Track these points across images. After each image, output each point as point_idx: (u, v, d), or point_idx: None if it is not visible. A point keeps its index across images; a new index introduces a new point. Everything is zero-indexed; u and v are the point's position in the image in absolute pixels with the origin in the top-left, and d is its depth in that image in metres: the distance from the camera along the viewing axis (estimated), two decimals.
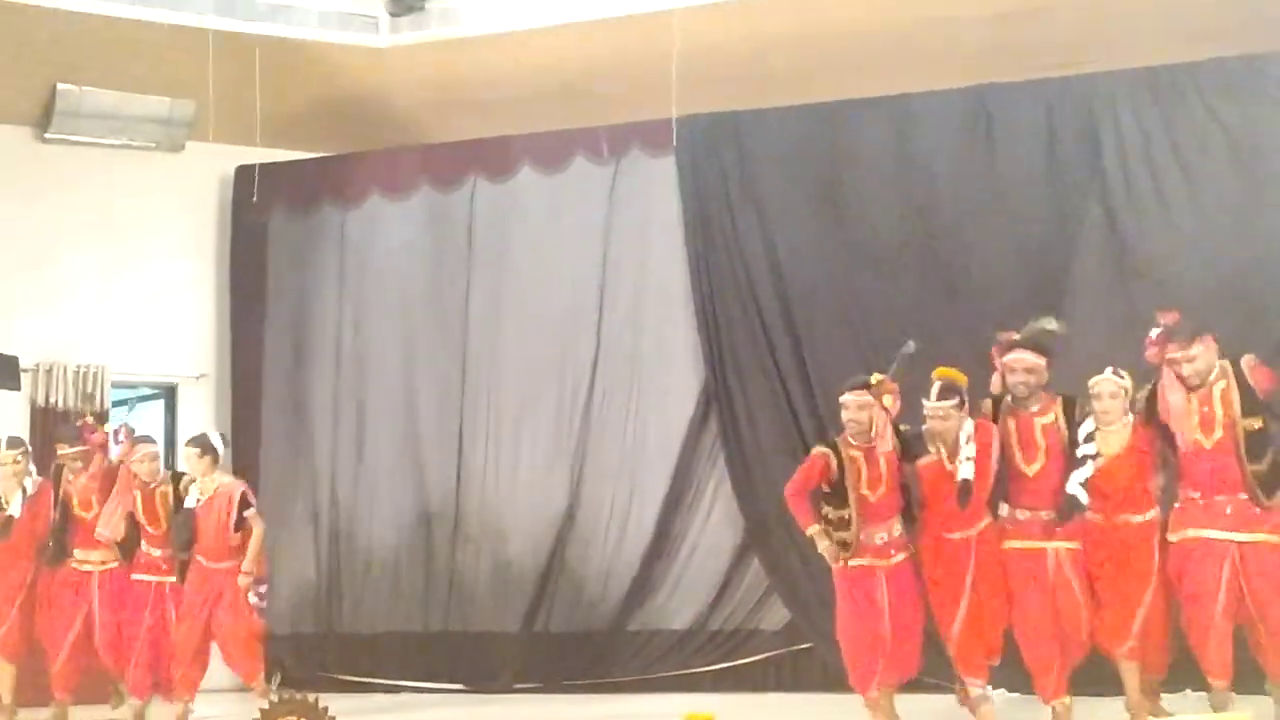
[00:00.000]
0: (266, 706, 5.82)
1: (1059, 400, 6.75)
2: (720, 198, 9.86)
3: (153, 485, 8.47)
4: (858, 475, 6.92)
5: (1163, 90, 8.99)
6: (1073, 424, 6.67)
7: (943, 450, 6.82)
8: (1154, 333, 6.59)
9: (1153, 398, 6.63)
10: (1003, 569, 6.77)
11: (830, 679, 8.95)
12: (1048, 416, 6.74)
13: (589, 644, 9.82)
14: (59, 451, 8.62)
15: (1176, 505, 6.59)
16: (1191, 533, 6.45)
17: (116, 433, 8.66)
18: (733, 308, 9.75)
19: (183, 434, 11.00)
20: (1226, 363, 6.52)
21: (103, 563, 8.56)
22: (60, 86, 10.31)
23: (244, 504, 8.41)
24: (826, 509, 7.00)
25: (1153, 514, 6.67)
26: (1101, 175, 9.03)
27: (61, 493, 8.56)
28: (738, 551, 9.67)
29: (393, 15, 10.08)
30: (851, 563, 6.90)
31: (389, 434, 10.50)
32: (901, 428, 7.06)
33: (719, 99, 9.73)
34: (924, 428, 6.90)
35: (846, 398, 7.01)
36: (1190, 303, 8.58)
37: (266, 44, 9.87)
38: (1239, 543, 6.36)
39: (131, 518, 8.41)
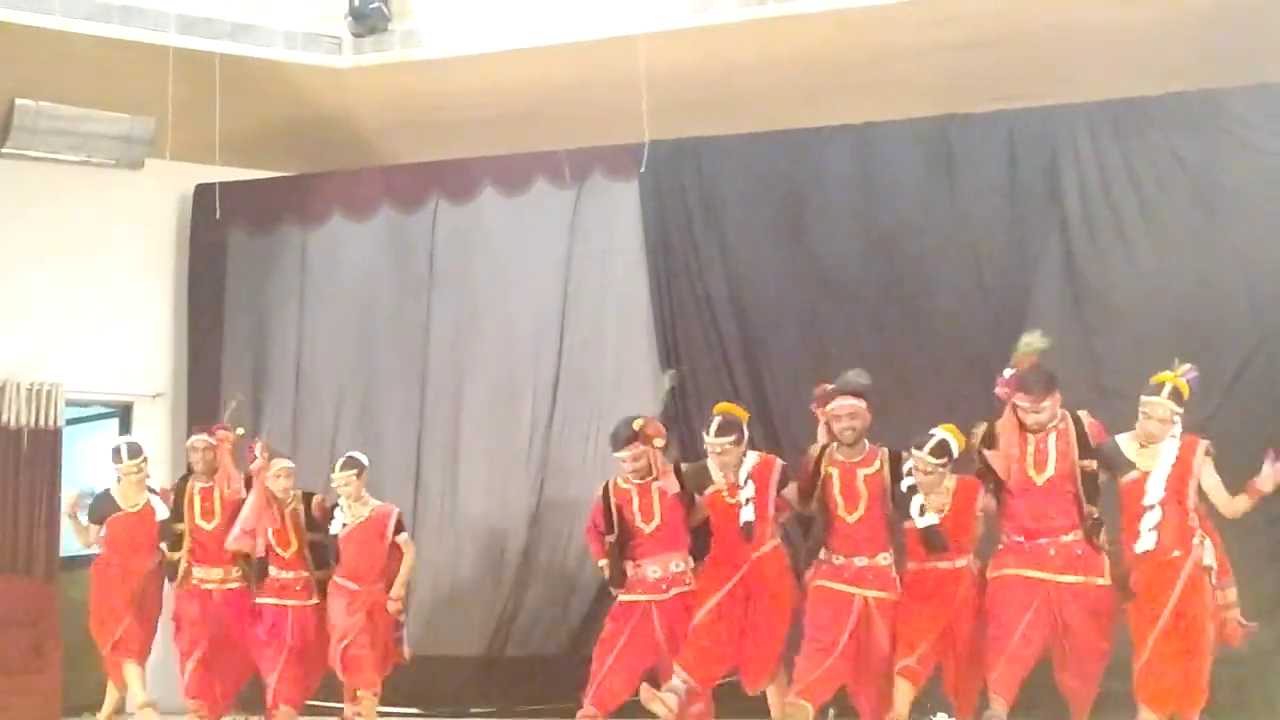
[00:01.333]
0: None
1: (884, 452, 7.04)
2: (682, 223, 9.87)
3: (287, 504, 8.38)
4: (630, 511, 7.27)
5: (1123, 123, 9.08)
6: (897, 478, 6.95)
7: (725, 481, 7.16)
8: (1007, 373, 6.82)
9: (990, 434, 6.85)
10: (789, 591, 7.10)
11: None
12: (871, 467, 7.01)
13: (547, 669, 9.76)
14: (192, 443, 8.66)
15: (1000, 547, 6.79)
16: (1009, 571, 6.68)
17: (252, 446, 8.47)
18: (694, 333, 9.75)
19: None
20: (1066, 412, 6.79)
21: (222, 581, 8.47)
22: (18, 101, 10.20)
23: (398, 528, 8.38)
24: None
25: (963, 563, 6.94)
26: (1061, 206, 9.10)
27: (186, 500, 8.56)
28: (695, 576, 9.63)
29: (356, 36, 10.03)
30: (623, 597, 7.29)
31: (331, 457, 10.40)
32: (682, 465, 7.48)
33: (683, 125, 9.75)
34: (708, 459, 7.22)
35: (622, 454, 7.31)
36: (1146, 334, 8.75)
37: (227, 62, 9.80)
38: (1057, 583, 6.58)
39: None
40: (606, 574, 7.42)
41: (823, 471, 7.08)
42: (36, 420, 10.42)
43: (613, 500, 7.39)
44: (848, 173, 9.59)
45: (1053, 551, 6.63)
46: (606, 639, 7.34)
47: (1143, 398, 6.79)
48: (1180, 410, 6.74)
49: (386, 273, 10.63)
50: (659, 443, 7.33)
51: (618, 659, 7.26)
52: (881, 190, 9.50)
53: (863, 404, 7.03)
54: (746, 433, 7.28)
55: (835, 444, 7.13)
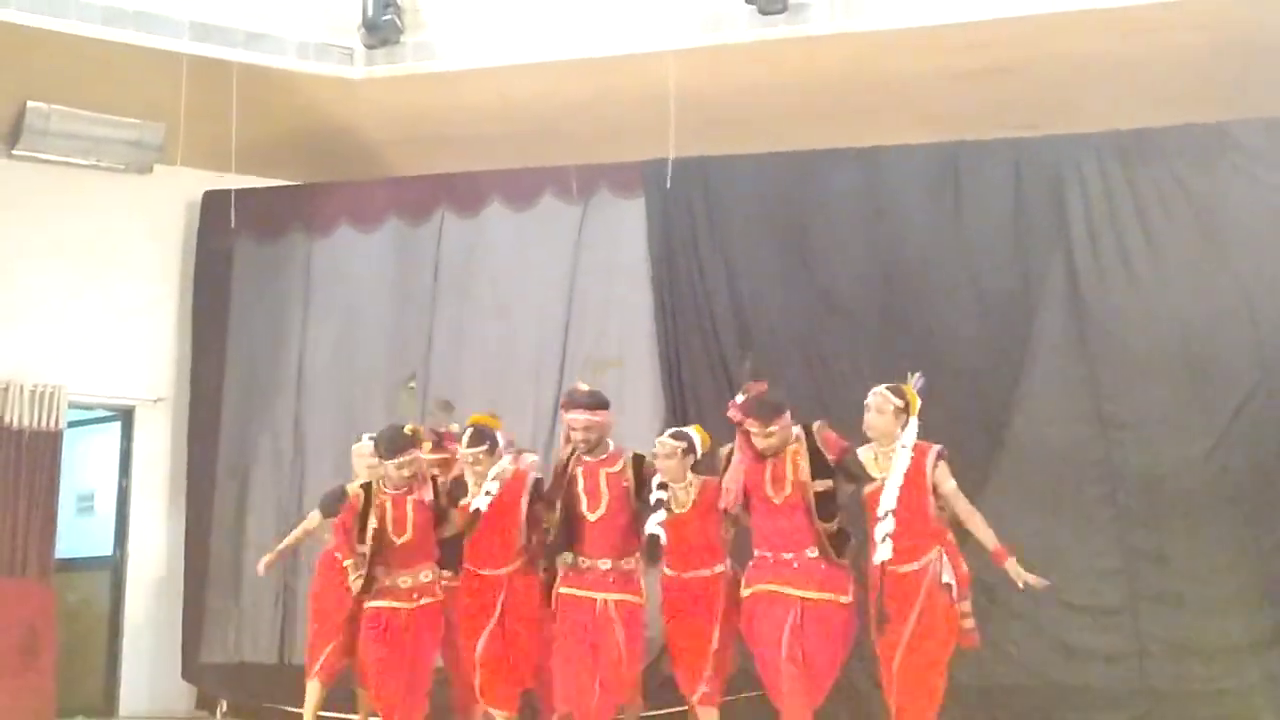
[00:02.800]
0: None
1: (628, 454, 7.12)
2: (688, 242, 9.87)
3: None
4: (382, 519, 7.24)
5: (1130, 154, 9.07)
6: (641, 479, 7.01)
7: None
8: (739, 398, 6.79)
9: (730, 455, 6.88)
10: (537, 606, 7.15)
11: None
12: (615, 466, 7.08)
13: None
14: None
15: (750, 563, 6.77)
16: (760, 587, 6.65)
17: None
18: (696, 352, 9.75)
19: (139, 458, 10.97)
20: (800, 428, 6.75)
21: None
22: (30, 104, 10.24)
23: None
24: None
25: (720, 568, 6.99)
26: (1066, 235, 9.09)
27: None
28: None
29: (368, 47, 10.04)
30: (371, 603, 7.22)
31: (349, 466, 10.41)
32: (439, 478, 7.46)
33: (691, 143, 9.77)
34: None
35: (398, 459, 7.25)
36: (1149, 365, 8.76)
37: (239, 71, 9.84)
38: (801, 598, 6.55)
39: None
40: (357, 582, 7.28)
41: (569, 474, 7.12)
42: (38, 422, 10.41)
43: (374, 509, 7.27)
44: (854, 196, 9.59)
45: (796, 565, 6.61)
46: (376, 647, 7.27)
47: None
48: (908, 415, 6.61)
49: (391, 284, 10.62)
50: (427, 446, 7.51)
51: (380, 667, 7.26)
52: (887, 214, 9.50)
53: (599, 416, 7.08)
54: (500, 443, 7.32)
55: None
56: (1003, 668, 8.53)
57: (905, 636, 6.37)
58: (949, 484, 6.53)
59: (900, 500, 6.42)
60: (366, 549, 7.18)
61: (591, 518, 7.02)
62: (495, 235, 10.41)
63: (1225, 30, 8.84)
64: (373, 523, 7.20)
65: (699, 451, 7.04)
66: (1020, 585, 6.39)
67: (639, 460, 7.10)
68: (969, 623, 6.53)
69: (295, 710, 8.95)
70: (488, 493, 7.04)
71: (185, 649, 10.50)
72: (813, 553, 6.59)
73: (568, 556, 7.09)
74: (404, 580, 7.25)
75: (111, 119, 10.49)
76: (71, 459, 10.83)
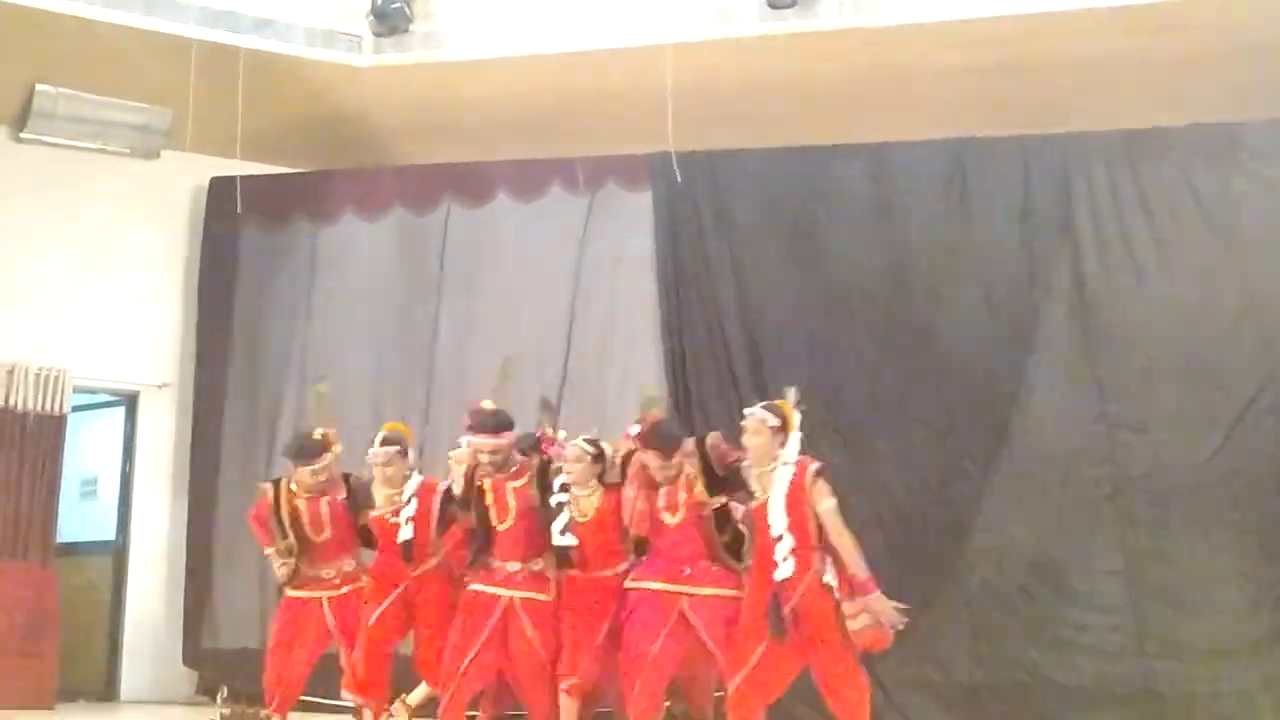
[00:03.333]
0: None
1: (534, 463, 7.28)
2: (694, 236, 9.85)
3: None
4: (295, 517, 7.73)
5: (1139, 153, 9.06)
6: (547, 486, 7.14)
7: (387, 501, 7.61)
8: (633, 429, 7.00)
9: (625, 463, 6.98)
10: (447, 607, 7.37)
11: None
12: (520, 480, 7.24)
13: None
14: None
15: (644, 559, 6.87)
16: (645, 584, 6.76)
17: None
18: (700, 346, 9.73)
19: (142, 443, 10.99)
20: (693, 442, 6.85)
21: None
22: (39, 87, 10.25)
23: None
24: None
25: (623, 565, 7.02)
26: (1073, 234, 9.07)
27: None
28: None
29: (376, 35, 10.03)
30: (292, 592, 7.78)
31: (351, 454, 10.37)
32: (351, 477, 7.84)
33: (698, 137, 9.75)
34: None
35: (313, 465, 7.72)
36: (1154, 365, 8.74)
37: (247, 57, 9.83)
38: (690, 594, 6.64)
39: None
40: (282, 570, 7.77)
41: (477, 485, 7.34)
42: (42, 405, 10.42)
43: (284, 508, 7.76)
44: (861, 191, 9.58)
45: (688, 570, 6.72)
46: (279, 632, 7.82)
47: None
48: (787, 433, 6.49)
49: (396, 273, 10.61)
50: (337, 449, 7.83)
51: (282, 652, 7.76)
52: (894, 210, 9.48)
53: (503, 439, 7.21)
54: (410, 452, 7.71)
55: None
56: (1003, 667, 8.53)
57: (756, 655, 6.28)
58: (825, 502, 6.35)
59: (788, 516, 6.31)
60: (292, 541, 7.68)
61: (501, 528, 7.24)
62: (501, 226, 10.39)
63: (1234, 30, 8.83)
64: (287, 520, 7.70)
65: (605, 458, 7.13)
66: (882, 620, 6.17)
67: (544, 467, 7.26)
68: (856, 624, 6.28)
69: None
70: (409, 519, 7.45)
71: (187, 634, 10.51)
72: (705, 563, 6.76)
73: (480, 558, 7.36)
74: (326, 571, 7.74)
75: (119, 103, 10.50)
76: (75, 443, 10.84)
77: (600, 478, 7.07)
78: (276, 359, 10.74)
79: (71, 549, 10.81)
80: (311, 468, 7.64)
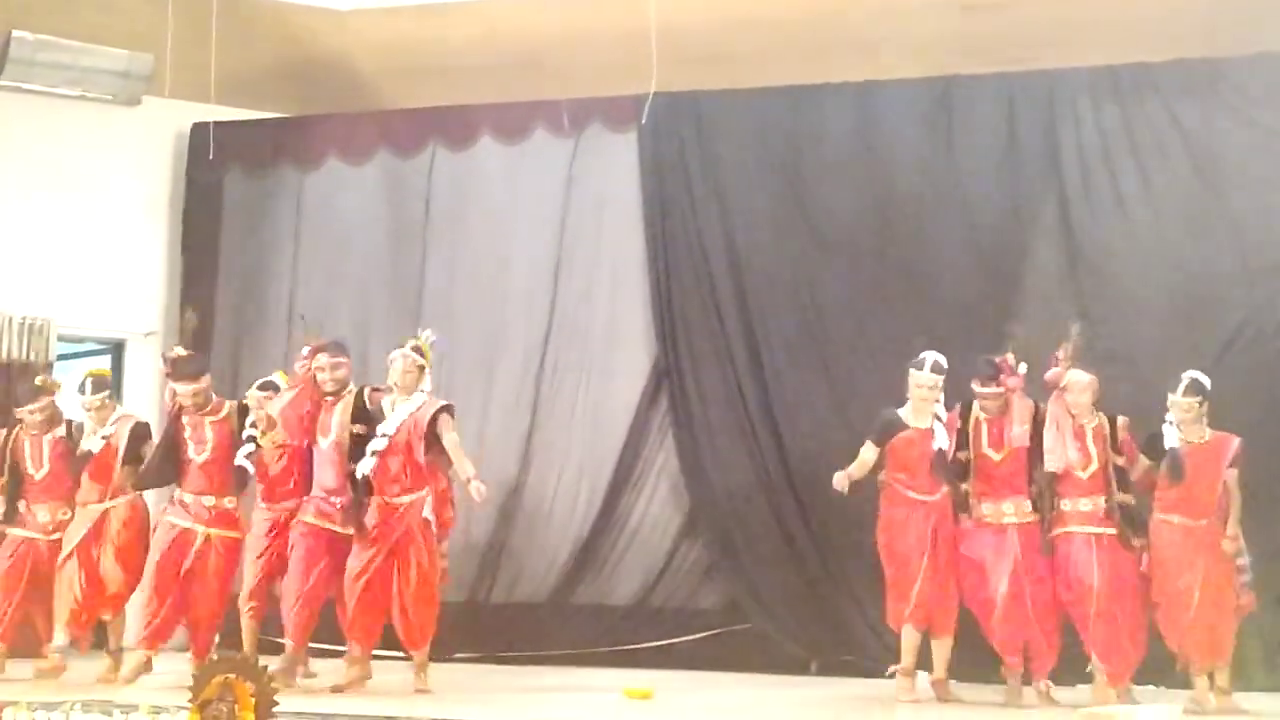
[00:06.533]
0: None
1: (231, 404, 8.09)
2: (680, 177, 9.86)
3: None
4: (19, 457, 8.26)
5: (1123, 89, 9.09)
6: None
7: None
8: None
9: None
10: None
11: (768, 658, 9.06)
12: (218, 415, 7.97)
13: (530, 616, 9.81)
14: None
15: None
16: (306, 519, 7.57)
17: None
18: (687, 287, 9.76)
19: (129, 391, 10.94)
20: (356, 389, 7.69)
21: None
22: (15, 33, 10.16)
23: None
24: None
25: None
26: (1059, 170, 9.13)
27: None
28: (682, 530, 9.69)
29: None
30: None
31: None
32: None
33: (683, 78, 9.73)
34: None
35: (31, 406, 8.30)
36: (1140, 299, 8.80)
37: (227, 1, 9.76)
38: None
39: None
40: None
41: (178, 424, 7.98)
42: (27, 355, 10.37)
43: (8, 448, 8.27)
44: (847, 131, 9.59)
45: (337, 504, 7.57)
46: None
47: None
48: (425, 370, 7.66)
49: (382, 217, 10.60)
50: (59, 394, 8.41)
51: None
52: (880, 149, 9.50)
53: (203, 383, 8.02)
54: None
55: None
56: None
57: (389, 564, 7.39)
58: (449, 436, 7.49)
59: (394, 440, 7.40)
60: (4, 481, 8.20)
61: (199, 460, 7.85)
62: (486, 169, 10.38)
63: None
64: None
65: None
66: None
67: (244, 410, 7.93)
68: (445, 562, 7.77)
69: (280, 640, 9.01)
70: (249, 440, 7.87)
71: None
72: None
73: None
74: (42, 514, 8.19)
75: (98, 49, 10.41)
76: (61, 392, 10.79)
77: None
78: (262, 305, 10.73)
79: None
80: (28, 408, 8.24)
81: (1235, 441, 7.35)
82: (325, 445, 7.61)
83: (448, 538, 8.36)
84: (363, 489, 7.47)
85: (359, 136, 10.71)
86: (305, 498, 7.71)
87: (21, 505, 8.24)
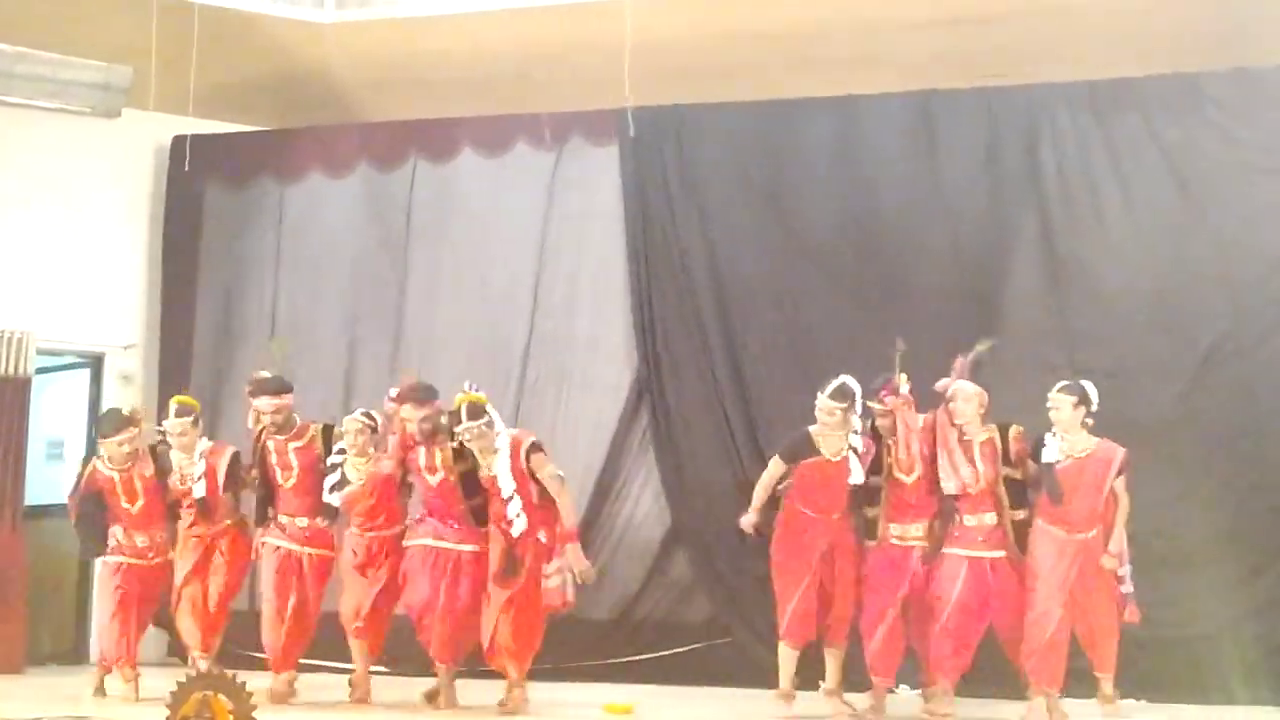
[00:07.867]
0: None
1: (319, 427, 8.09)
2: (661, 190, 9.87)
3: None
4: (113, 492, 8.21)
5: (1103, 104, 9.12)
6: (329, 449, 7.93)
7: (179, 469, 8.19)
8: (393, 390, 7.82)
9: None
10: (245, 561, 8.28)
11: (751, 673, 9.04)
12: (302, 440, 8.02)
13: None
14: None
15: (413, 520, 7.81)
16: (420, 542, 7.70)
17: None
18: (669, 300, 9.77)
19: (108, 404, 10.90)
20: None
21: None
22: None
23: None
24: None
25: (400, 528, 7.88)
26: (1039, 184, 9.16)
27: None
28: (664, 544, 9.69)
29: None
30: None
31: (320, 413, 10.37)
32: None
33: (665, 92, 9.73)
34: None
35: (119, 437, 8.20)
36: (1122, 313, 8.82)
37: (209, 14, 9.73)
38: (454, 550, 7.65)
39: None
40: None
41: (261, 446, 8.07)
42: (6, 368, 10.31)
43: (102, 480, 8.21)
44: (828, 145, 9.62)
45: (455, 527, 7.69)
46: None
47: None
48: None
49: (363, 230, 10.59)
50: (147, 425, 8.39)
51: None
52: (862, 164, 9.52)
53: (285, 400, 8.02)
54: (200, 420, 8.26)
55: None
56: None
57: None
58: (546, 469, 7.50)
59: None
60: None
61: (287, 485, 7.98)
62: (468, 182, 10.38)
63: None
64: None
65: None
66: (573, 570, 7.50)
67: (328, 431, 8.02)
68: (549, 583, 7.55)
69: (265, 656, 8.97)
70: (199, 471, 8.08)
71: None
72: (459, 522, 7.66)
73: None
74: (140, 539, 8.22)
75: (78, 61, 10.33)
76: (40, 406, 10.75)
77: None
78: (244, 319, 10.71)
79: (39, 512, 10.70)
80: (116, 439, 8.11)
81: (1121, 452, 7.18)
82: (434, 481, 7.69)
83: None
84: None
85: (340, 149, 10.71)
86: (408, 522, 7.88)
87: (119, 531, 8.26)
